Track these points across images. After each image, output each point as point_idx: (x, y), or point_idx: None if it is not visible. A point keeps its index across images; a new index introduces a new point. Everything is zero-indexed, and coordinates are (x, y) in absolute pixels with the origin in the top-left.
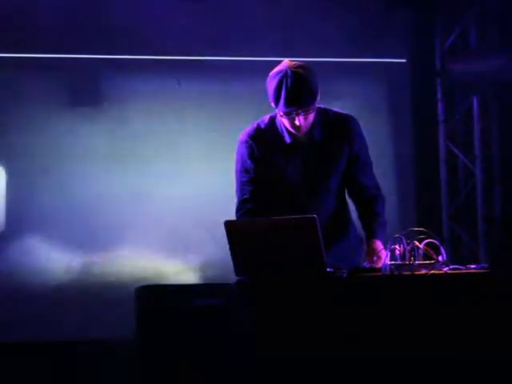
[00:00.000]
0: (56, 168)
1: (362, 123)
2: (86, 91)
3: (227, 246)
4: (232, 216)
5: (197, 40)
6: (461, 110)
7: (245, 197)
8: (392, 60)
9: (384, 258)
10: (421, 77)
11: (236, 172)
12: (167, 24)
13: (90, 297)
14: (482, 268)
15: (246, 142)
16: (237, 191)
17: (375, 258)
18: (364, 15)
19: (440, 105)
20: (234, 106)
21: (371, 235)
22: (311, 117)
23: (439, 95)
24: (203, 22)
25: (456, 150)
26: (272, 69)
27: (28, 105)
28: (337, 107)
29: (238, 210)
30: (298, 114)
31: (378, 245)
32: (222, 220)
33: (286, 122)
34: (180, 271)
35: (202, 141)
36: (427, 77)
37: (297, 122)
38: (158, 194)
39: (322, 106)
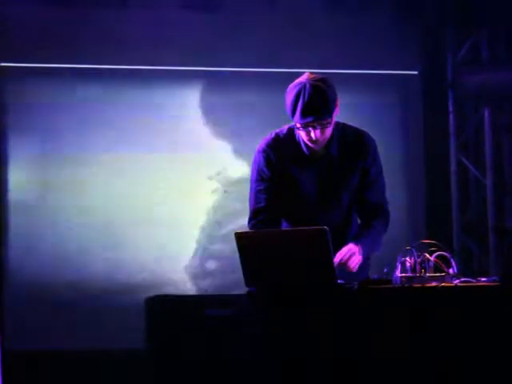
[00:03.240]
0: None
1: (372, 135)
2: None
3: None
4: None
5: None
6: (472, 122)
7: (259, 206)
8: (404, 72)
9: (343, 257)
10: (432, 89)
11: (251, 181)
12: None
13: (97, 304)
14: (493, 281)
15: (264, 151)
16: (251, 200)
17: (336, 256)
18: (376, 27)
19: (451, 117)
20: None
21: (352, 240)
22: (328, 131)
23: (451, 107)
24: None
25: (467, 162)
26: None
27: None
28: (347, 118)
29: (250, 220)
30: (314, 128)
31: (348, 246)
32: None
33: (302, 134)
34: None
35: None
36: (439, 89)
37: (313, 135)
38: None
39: (341, 121)
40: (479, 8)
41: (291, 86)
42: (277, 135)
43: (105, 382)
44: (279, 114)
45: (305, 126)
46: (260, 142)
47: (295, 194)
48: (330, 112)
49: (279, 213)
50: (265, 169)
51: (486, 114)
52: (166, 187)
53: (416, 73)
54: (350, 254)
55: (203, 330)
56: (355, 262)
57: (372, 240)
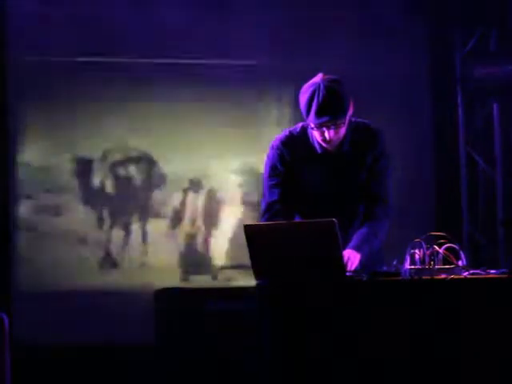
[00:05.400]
0: None
1: (382, 129)
2: None
3: None
4: None
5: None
6: (481, 115)
7: (273, 199)
8: (412, 65)
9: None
10: (441, 82)
11: (264, 177)
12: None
13: (108, 299)
14: (502, 273)
15: (278, 148)
16: (264, 195)
17: None
18: (384, 21)
19: (460, 110)
20: None
21: (350, 244)
22: (342, 131)
23: (459, 100)
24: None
25: (476, 156)
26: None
27: None
28: (358, 115)
29: (265, 212)
30: (328, 128)
31: (345, 252)
32: None
33: (316, 134)
34: None
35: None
36: (447, 82)
37: (327, 136)
38: None
39: (353, 118)
40: (487, 0)
41: (305, 86)
42: (290, 133)
43: (113, 376)
44: None
45: (319, 126)
46: (274, 139)
47: (308, 190)
48: (344, 112)
49: (292, 207)
50: (278, 165)
51: (495, 106)
52: None
53: (425, 66)
54: (348, 258)
55: (212, 322)
56: (354, 264)
57: (366, 243)
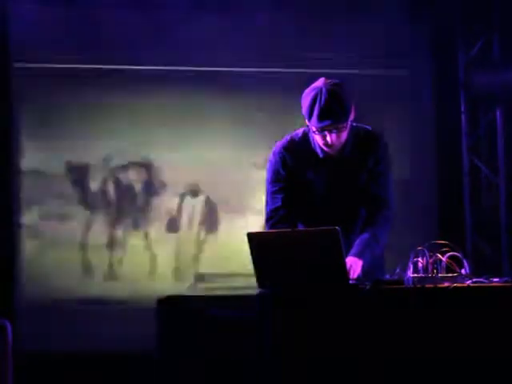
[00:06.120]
0: None
1: (385, 135)
2: None
3: None
4: None
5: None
6: (484, 122)
7: (276, 205)
8: (415, 72)
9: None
10: (444, 89)
11: (267, 183)
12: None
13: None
14: (505, 281)
15: (280, 153)
16: (267, 202)
17: None
18: (387, 28)
19: (463, 117)
20: None
21: (351, 251)
22: (344, 135)
23: (462, 108)
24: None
25: (479, 163)
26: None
27: None
28: (360, 120)
29: (269, 219)
30: (330, 132)
31: (347, 260)
32: None
33: (318, 138)
34: None
35: None
36: (450, 89)
37: (329, 140)
38: None
39: (354, 123)
40: (490, 7)
41: (307, 90)
42: (292, 138)
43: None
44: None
45: (321, 130)
46: (275, 145)
47: (310, 195)
48: (346, 116)
49: (294, 212)
50: (281, 170)
51: (498, 113)
52: None
53: (428, 72)
54: (350, 266)
55: (213, 330)
56: (356, 272)
57: (369, 249)
